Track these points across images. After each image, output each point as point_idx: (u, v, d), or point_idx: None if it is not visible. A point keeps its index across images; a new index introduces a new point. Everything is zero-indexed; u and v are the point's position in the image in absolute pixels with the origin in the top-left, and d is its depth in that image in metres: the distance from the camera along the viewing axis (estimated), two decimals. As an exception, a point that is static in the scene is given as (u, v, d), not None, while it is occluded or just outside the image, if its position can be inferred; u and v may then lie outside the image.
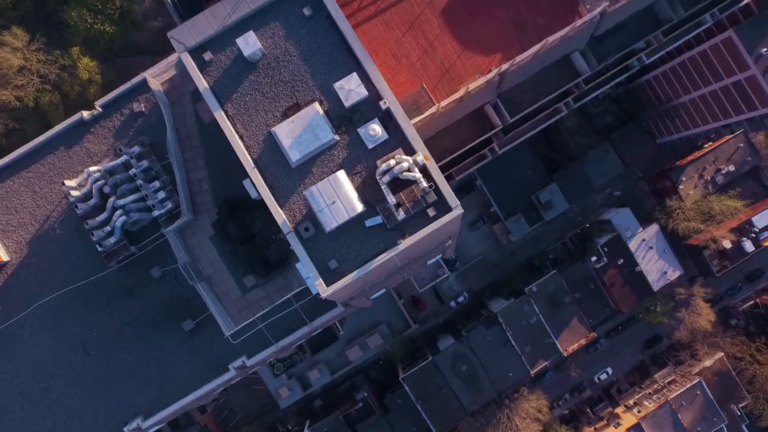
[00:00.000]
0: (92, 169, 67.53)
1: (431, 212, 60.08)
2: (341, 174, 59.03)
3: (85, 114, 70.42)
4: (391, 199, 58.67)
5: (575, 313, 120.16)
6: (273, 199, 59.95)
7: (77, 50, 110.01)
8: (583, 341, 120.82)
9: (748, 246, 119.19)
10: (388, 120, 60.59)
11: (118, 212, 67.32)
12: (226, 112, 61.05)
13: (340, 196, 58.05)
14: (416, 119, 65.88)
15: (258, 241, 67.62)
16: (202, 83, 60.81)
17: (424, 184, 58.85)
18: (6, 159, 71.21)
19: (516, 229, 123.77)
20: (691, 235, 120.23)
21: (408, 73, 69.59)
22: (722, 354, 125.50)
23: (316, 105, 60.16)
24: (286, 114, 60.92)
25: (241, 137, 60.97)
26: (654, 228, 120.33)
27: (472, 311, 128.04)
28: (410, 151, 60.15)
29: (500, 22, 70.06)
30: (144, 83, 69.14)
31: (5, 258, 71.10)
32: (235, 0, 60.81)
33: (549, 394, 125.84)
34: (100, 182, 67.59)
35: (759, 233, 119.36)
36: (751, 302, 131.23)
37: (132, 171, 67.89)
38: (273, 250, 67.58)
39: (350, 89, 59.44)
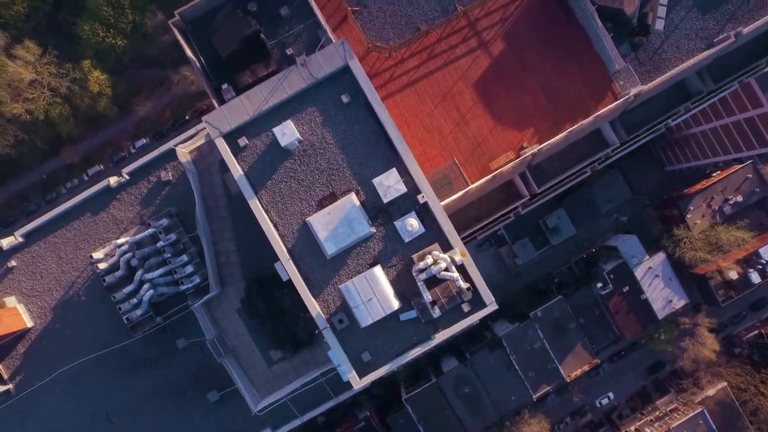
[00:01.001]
0: (120, 241, 66.62)
1: (466, 308, 60.07)
2: (378, 270, 58.45)
3: (112, 181, 69.22)
4: (428, 297, 58.43)
5: (579, 339, 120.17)
6: (308, 290, 59.41)
7: (88, 63, 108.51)
8: (586, 367, 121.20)
9: (755, 277, 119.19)
10: (424, 213, 59.94)
11: (146, 286, 66.56)
12: (260, 200, 59.98)
13: (376, 293, 57.51)
14: (448, 200, 65.12)
15: (287, 318, 67.19)
16: (237, 170, 59.41)
17: (462, 284, 58.61)
18: (32, 224, 70.21)
19: (523, 252, 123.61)
20: (698, 264, 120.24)
21: (439, 146, 68.43)
22: (725, 384, 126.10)
23: (353, 196, 59.21)
24: (321, 203, 59.92)
25: (275, 226, 60.01)
26: (660, 256, 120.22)
27: (476, 332, 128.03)
28: (446, 247, 59.72)
29: (533, 97, 68.94)
30: (171, 151, 67.88)
31: (29, 324, 70.38)
32: (272, 85, 59.28)
33: (550, 417, 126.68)
34: (127, 255, 66.73)
35: (766, 265, 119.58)
36: (756, 332, 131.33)
37: (160, 244, 66.97)
38: (301, 328, 67.22)
39: (389, 185, 58.44)
